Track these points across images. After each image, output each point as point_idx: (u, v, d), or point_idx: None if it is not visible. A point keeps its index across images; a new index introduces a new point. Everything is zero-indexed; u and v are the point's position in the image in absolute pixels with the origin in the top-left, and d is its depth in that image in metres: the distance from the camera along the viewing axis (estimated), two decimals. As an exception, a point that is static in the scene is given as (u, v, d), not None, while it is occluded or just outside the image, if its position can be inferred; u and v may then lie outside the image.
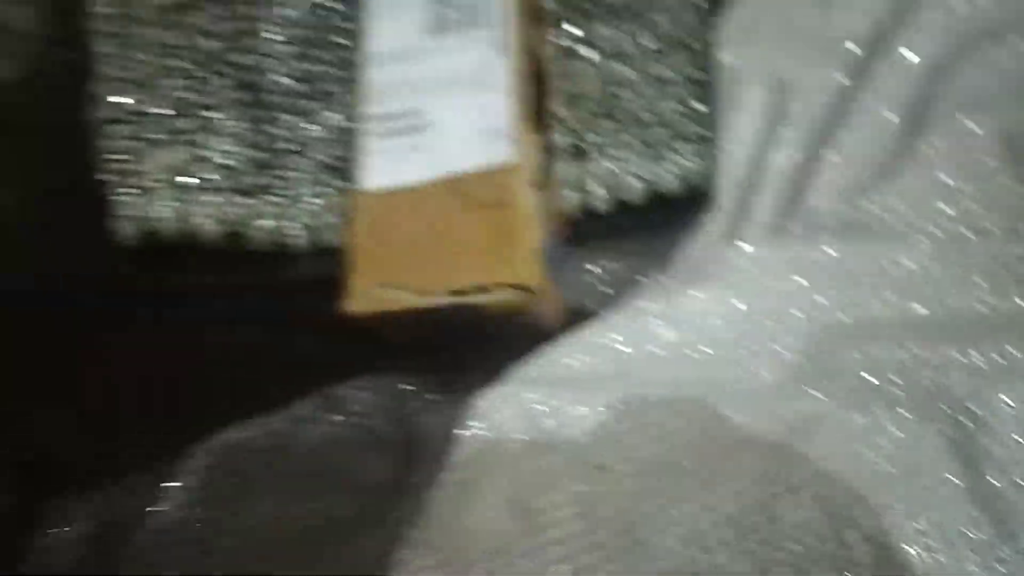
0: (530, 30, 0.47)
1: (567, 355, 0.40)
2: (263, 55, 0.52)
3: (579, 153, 0.50)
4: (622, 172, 0.50)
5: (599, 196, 0.49)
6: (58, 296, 0.43)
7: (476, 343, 0.44)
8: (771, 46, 0.54)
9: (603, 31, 0.53)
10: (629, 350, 0.40)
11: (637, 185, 0.49)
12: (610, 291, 0.49)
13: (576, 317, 0.47)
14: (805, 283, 0.41)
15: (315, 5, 0.53)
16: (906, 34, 0.51)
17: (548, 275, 0.44)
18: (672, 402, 0.38)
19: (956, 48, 0.50)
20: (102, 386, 0.40)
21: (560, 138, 0.50)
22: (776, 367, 0.39)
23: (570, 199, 0.49)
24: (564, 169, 0.50)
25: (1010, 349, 0.35)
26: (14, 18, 0.53)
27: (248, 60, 0.51)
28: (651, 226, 0.50)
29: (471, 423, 0.38)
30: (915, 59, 0.50)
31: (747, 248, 0.42)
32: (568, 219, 0.49)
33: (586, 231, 0.50)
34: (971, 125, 0.46)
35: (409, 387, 0.40)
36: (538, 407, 0.38)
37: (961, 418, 0.35)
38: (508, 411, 0.38)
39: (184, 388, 0.41)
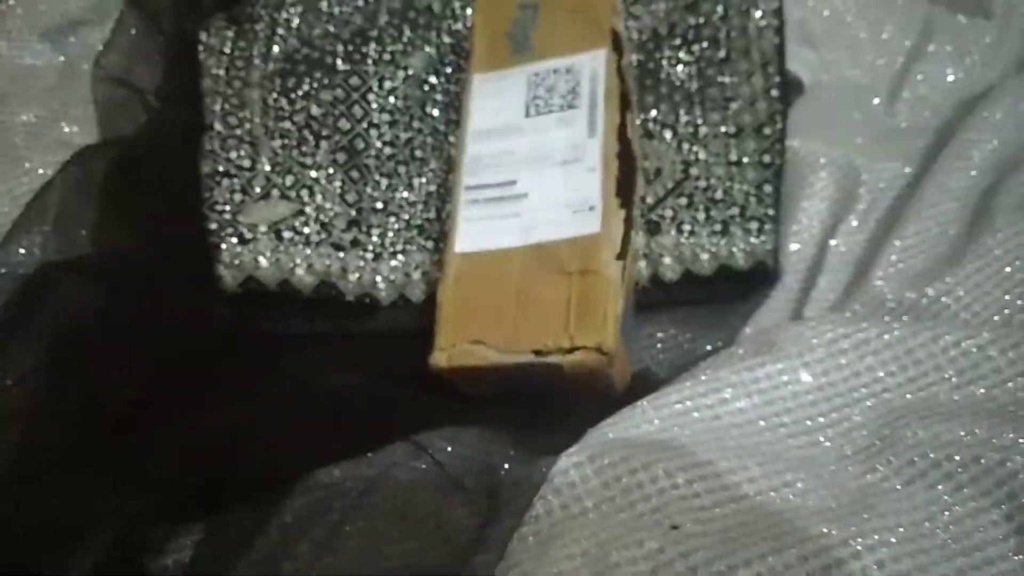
0: (618, 113, 0.50)
1: (644, 419, 0.42)
2: (363, 121, 0.56)
3: (653, 227, 0.53)
4: (692, 246, 0.53)
5: (669, 267, 0.52)
6: (167, 335, 0.46)
7: (555, 401, 0.47)
8: (840, 135, 0.57)
9: (681, 115, 0.57)
10: (702, 416, 0.42)
11: (706, 259, 0.52)
12: (678, 358, 0.51)
13: (644, 381, 0.49)
14: (871, 361, 0.43)
15: (413, 78, 0.57)
16: (971, 131, 0.54)
17: (623, 340, 0.47)
18: (741, 468, 0.40)
19: (1020, 146, 0.53)
20: (207, 421, 0.43)
21: (636, 212, 0.53)
22: (842, 440, 0.41)
23: (642, 270, 0.52)
24: (639, 241, 0.53)
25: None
26: (135, 76, 0.57)
27: (349, 125, 0.56)
28: (718, 298, 0.52)
29: (552, 478, 0.40)
30: (979, 156, 0.53)
31: (815, 325, 0.44)
32: (640, 287, 0.52)
33: (656, 300, 0.52)
34: (1033, 221, 0.48)
35: (493, 439, 0.42)
36: (615, 467, 0.40)
37: (1022, 499, 0.36)
38: (587, 469, 0.40)
39: (282, 428, 0.43)
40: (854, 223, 0.53)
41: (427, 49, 0.59)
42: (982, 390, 0.41)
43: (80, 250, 0.49)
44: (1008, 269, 0.47)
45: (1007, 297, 0.46)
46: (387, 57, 0.58)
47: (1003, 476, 0.37)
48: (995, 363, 0.42)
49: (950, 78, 0.60)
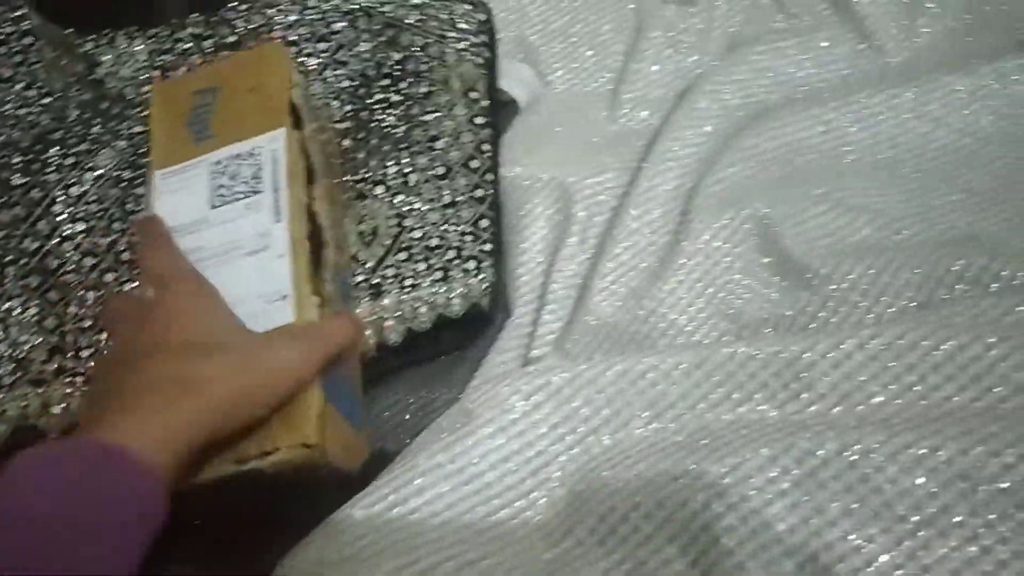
0: (304, 191, 0.48)
1: (342, 531, 0.40)
2: (53, 236, 0.52)
3: (375, 291, 0.51)
4: (412, 301, 0.51)
5: (392, 329, 0.50)
6: None
7: (276, 504, 0.44)
8: (556, 153, 0.55)
9: (390, 166, 0.55)
10: (400, 514, 0.40)
11: (424, 311, 0.50)
12: (417, 422, 0.50)
13: (381, 457, 0.47)
14: (567, 410, 0.41)
15: (105, 177, 0.54)
16: (680, 125, 0.52)
17: (342, 424, 0.45)
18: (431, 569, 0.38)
19: (724, 136, 0.52)
20: None
21: (361, 279, 0.51)
22: (542, 507, 0.40)
23: (368, 339, 0.50)
24: (363, 310, 0.50)
25: (749, 461, 0.36)
26: None
27: (36, 244, 0.52)
28: (440, 351, 0.50)
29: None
30: (685, 153, 0.51)
31: (511, 382, 0.43)
32: (368, 358, 0.50)
33: (387, 366, 0.50)
34: (729, 219, 0.47)
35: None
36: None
37: (702, 540, 0.35)
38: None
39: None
40: (574, 244, 0.51)
41: (117, 143, 0.55)
42: (671, 423, 0.40)
43: None
44: (708, 277, 0.46)
45: (709, 307, 0.45)
46: (70, 161, 0.54)
47: (685, 519, 0.36)
48: (681, 388, 0.41)
49: (668, 69, 0.59)
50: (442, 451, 0.41)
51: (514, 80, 0.59)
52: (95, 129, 0.56)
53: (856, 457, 0.35)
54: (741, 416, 0.39)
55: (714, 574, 0.34)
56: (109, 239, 0.53)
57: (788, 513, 0.35)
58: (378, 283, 0.51)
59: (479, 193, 0.53)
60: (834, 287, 0.43)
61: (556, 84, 0.61)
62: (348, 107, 0.57)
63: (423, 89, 0.57)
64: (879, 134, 0.52)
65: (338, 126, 0.57)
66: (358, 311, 0.50)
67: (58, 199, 0.53)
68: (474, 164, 0.54)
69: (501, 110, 0.58)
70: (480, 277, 0.50)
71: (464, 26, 0.59)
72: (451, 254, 0.51)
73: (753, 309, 0.44)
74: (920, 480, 0.35)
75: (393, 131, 0.56)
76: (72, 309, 0.51)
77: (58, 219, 0.53)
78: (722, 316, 0.45)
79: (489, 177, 0.53)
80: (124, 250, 0.53)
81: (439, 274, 0.51)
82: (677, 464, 0.37)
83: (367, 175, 0.54)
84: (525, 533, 0.39)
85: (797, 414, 0.38)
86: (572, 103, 0.59)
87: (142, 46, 0.60)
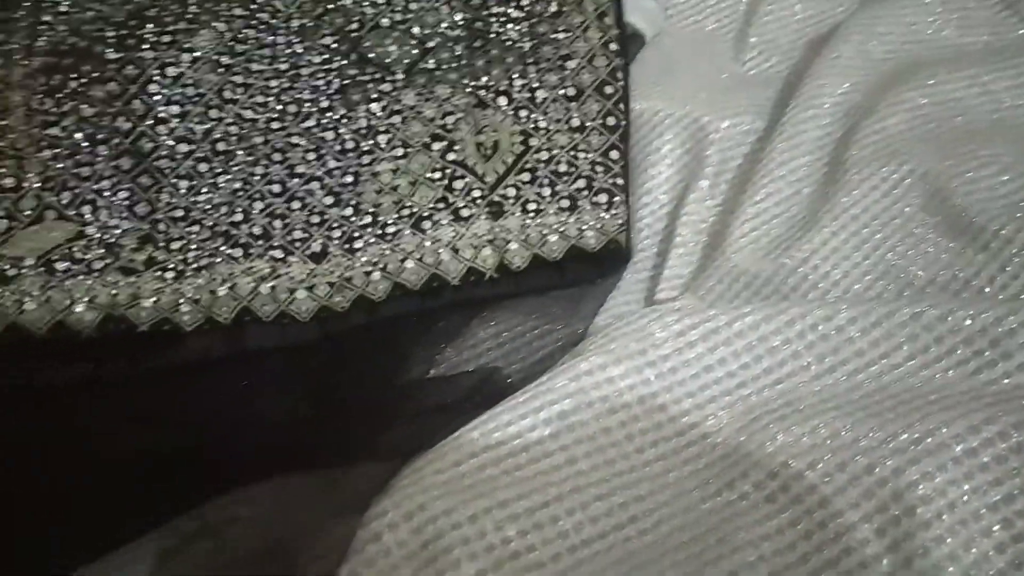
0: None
1: (471, 449, 0.36)
2: (148, 117, 0.48)
3: (497, 210, 0.48)
4: (541, 228, 0.47)
5: (516, 253, 0.47)
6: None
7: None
8: (684, 90, 0.52)
9: (515, 79, 0.51)
10: (539, 437, 0.37)
11: (554, 240, 0.47)
12: (528, 354, 0.47)
13: (491, 383, 0.44)
14: (723, 353, 0.39)
15: (203, 60, 0.50)
16: (821, 75, 0.50)
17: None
18: (580, 508, 0.35)
19: (871, 89, 0.49)
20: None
21: (477, 193, 0.48)
22: (697, 451, 0.37)
23: (487, 258, 0.47)
24: (482, 227, 0.47)
25: (942, 430, 0.34)
26: None
27: (129, 124, 0.48)
28: (569, 284, 0.47)
29: (362, 546, 0.35)
30: (830, 103, 0.49)
31: (659, 316, 0.40)
32: (488, 278, 0.47)
33: (505, 291, 0.47)
34: (889, 172, 0.45)
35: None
36: (436, 523, 0.34)
37: (892, 503, 0.33)
38: (403, 529, 0.34)
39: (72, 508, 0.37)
40: (705, 188, 0.49)
41: (216, 25, 0.51)
42: (844, 381, 0.38)
43: None
44: (866, 231, 0.43)
45: (867, 262, 0.43)
46: (167, 39, 0.50)
47: (871, 484, 0.34)
48: (856, 345, 0.38)
49: (797, 16, 0.56)
50: (587, 374, 0.38)
51: (638, 12, 0.56)
52: (192, 8, 0.51)
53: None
54: (926, 380, 0.37)
55: (906, 545, 0.32)
56: (205, 127, 0.49)
57: (991, 488, 0.33)
58: (498, 202, 0.48)
59: (611, 121, 0.50)
60: (1016, 250, 0.40)
61: (677, 20, 0.57)
62: (459, 15, 0.53)
63: (552, 8, 0.53)
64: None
65: (449, 32, 0.53)
66: (473, 226, 0.47)
67: (154, 78, 0.49)
68: (608, 90, 0.51)
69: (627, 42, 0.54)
70: (613, 213, 0.47)
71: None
72: (580, 183, 0.48)
73: (917, 268, 0.42)
74: None
75: (517, 45, 0.52)
76: (164, 197, 0.47)
77: (153, 99, 0.48)
78: (881, 273, 0.43)
79: (622, 107, 0.50)
80: (220, 139, 0.49)
81: (566, 202, 0.48)
82: (858, 424, 0.35)
83: (488, 83, 0.51)
84: (676, 479, 0.36)
85: (992, 384, 0.36)
86: (697, 41, 0.56)
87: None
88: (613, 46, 0.52)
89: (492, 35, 0.53)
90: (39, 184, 0.46)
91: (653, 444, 0.38)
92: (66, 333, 0.42)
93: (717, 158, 0.49)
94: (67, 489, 0.38)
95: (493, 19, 0.53)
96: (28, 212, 0.45)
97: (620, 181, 0.49)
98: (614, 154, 0.49)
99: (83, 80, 0.48)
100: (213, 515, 0.36)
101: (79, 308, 0.43)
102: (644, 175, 0.50)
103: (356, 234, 0.47)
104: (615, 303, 0.47)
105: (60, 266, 0.44)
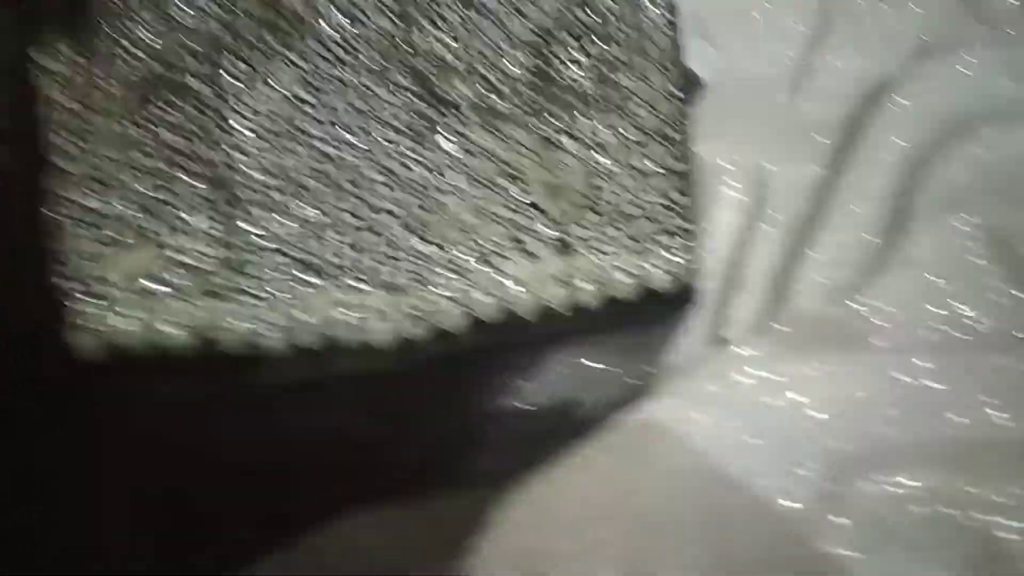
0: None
1: None
2: (228, 147, 0.49)
3: (564, 248, 0.49)
4: (610, 267, 0.49)
5: (588, 291, 0.48)
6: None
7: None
8: (744, 135, 0.54)
9: (580, 120, 0.53)
10: (635, 474, 0.38)
11: (626, 281, 0.49)
12: (601, 388, 0.48)
13: (565, 413, 0.46)
14: (818, 393, 0.40)
15: (280, 93, 0.51)
16: (881, 125, 0.52)
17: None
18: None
19: (932, 141, 0.51)
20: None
21: (546, 231, 0.49)
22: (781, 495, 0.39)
23: (559, 295, 0.48)
24: (552, 264, 0.48)
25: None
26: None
27: (212, 152, 0.49)
28: (640, 322, 0.49)
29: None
30: (891, 153, 0.51)
31: (736, 358, 0.41)
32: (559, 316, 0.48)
33: (576, 328, 0.49)
34: (955, 223, 0.46)
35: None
36: None
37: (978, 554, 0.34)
38: None
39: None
40: (767, 232, 0.50)
41: (291, 57, 0.52)
42: (926, 432, 0.39)
43: None
44: (932, 277, 0.45)
45: (933, 309, 0.44)
46: (244, 68, 0.51)
47: (962, 539, 0.35)
48: (938, 396, 0.40)
49: (854, 65, 0.58)
50: (671, 421, 0.39)
51: (697, 59, 0.58)
52: (268, 39, 0.53)
53: None
54: (1012, 435, 0.38)
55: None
56: (281, 157, 0.50)
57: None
58: (568, 241, 0.50)
59: (677, 166, 0.51)
60: (1082, 305, 0.42)
61: (734, 66, 0.59)
62: (526, 58, 0.55)
63: (617, 52, 0.55)
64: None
65: (516, 73, 0.55)
66: (544, 265, 0.48)
67: (234, 107, 0.50)
68: (671, 134, 0.52)
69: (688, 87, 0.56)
70: (681, 255, 0.49)
71: (656, -2, 0.57)
72: (647, 226, 0.50)
73: (982, 316, 0.44)
74: None
75: (582, 88, 0.54)
76: (244, 224, 0.48)
77: (233, 128, 0.50)
78: (944, 319, 0.44)
79: (685, 152, 0.52)
80: (296, 170, 0.50)
81: (635, 244, 0.50)
82: (946, 481, 0.36)
83: (555, 124, 0.52)
84: (768, 525, 0.37)
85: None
86: (753, 88, 0.58)
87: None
88: (675, 91, 0.54)
89: (558, 78, 0.55)
90: (121, 207, 0.47)
91: (738, 489, 0.39)
92: (158, 353, 0.44)
93: (779, 202, 0.51)
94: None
95: (559, 62, 0.55)
96: (114, 235, 0.46)
97: (687, 225, 0.50)
98: (679, 197, 0.51)
99: (164, 106, 0.49)
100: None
101: (169, 328, 0.44)
102: (705, 218, 0.51)
103: (430, 267, 0.49)
104: (681, 342, 0.48)
105: (148, 287, 0.45)
